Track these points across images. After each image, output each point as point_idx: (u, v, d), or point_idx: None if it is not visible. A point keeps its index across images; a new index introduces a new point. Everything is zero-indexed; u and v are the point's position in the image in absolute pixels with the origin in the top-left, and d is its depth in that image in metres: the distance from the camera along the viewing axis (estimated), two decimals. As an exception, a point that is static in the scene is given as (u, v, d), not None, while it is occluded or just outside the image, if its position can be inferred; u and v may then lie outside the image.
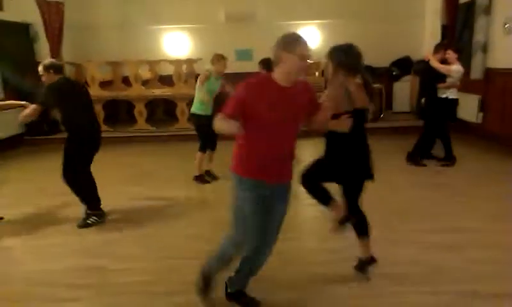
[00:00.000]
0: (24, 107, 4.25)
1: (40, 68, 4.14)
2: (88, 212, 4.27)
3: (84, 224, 4.21)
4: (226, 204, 4.63)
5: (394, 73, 9.59)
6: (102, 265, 3.43)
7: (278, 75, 2.31)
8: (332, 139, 2.88)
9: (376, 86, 9.15)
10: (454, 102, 5.91)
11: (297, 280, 3.11)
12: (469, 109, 7.62)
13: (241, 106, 2.28)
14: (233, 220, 2.58)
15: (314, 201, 3.02)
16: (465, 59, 7.40)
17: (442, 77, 5.69)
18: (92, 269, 3.37)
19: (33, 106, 4.10)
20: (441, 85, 5.73)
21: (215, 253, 2.74)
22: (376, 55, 9.30)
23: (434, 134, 5.98)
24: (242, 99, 2.28)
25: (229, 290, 2.79)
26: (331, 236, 3.28)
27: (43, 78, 4.15)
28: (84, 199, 4.27)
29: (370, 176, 2.95)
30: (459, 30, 8.44)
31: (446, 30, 8.52)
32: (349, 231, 3.11)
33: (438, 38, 8.21)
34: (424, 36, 9.50)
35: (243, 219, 2.48)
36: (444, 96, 5.78)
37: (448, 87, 5.74)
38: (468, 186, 5.08)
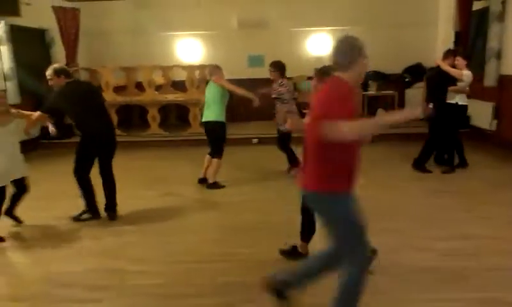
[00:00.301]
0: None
1: (50, 72, 4.10)
2: (84, 209, 4.46)
3: (77, 218, 4.43)
4: (237, 208, 4.72)
5: (406, 79, 9.57)
6: (119, 267, 3.48)
7: (351, 77, 2.30)
8: None
9: (389, 92, 9.20)
10: (464, 108, 5.89)
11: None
12: (483, 116, 7.58)
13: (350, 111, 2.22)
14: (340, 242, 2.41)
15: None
16: (478, 66, 7.37)
17: (453, 81, 5.69)
18: (110, 271, 3.42)
19: (38, 113, 4.15)
20: (452, 88, 5.72)
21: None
22: (388, 62, 9.35)
23: (444, 139, 5.92)
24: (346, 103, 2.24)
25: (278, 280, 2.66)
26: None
27: (52, 83, 4.13)
28: (85, 197, 4.43)
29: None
30: (472, 37, 8.40)
31: (459, 37, 8.48)
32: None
33: (450, 45, 8.17)
34: (437, 43, 9.47)
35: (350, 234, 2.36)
36: (454, 101, 5.77)
37: (459, 91, 5.73)
38: (482, 193, 5.05)
